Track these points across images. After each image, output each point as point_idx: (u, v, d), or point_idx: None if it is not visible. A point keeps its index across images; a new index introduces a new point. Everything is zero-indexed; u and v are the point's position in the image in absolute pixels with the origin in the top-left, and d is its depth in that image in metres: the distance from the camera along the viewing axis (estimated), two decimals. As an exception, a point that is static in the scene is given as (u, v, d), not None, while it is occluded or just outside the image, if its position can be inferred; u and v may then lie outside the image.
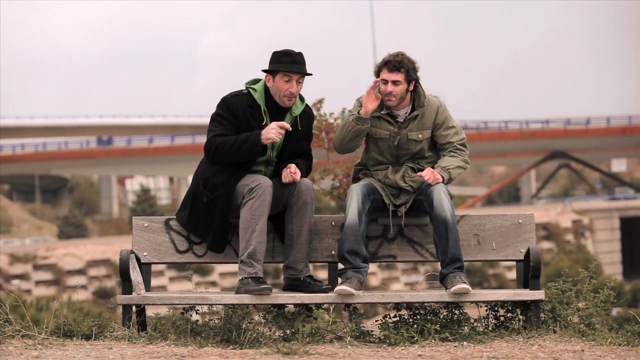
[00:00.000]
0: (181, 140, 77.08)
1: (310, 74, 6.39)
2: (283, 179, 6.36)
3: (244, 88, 6.44)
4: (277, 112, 6.37)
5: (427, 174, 6.41)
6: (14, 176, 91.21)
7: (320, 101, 12.71)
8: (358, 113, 6.42)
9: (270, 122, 6.34)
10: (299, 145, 6.47)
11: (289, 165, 6.38)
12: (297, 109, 6.44)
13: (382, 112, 6.54)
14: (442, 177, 6.43)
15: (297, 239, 6.39)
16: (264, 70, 6.38)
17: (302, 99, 6.49)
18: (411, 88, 6.48)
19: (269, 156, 6.41)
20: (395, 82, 6.42)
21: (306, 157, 6.58)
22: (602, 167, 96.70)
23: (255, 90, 6.40)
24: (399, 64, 6.42)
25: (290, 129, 6.30)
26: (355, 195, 6.45)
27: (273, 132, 6.20)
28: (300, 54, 6.37)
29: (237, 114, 6.32)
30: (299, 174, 6.36)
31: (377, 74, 6.49)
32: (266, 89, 6.39)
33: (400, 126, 6.54)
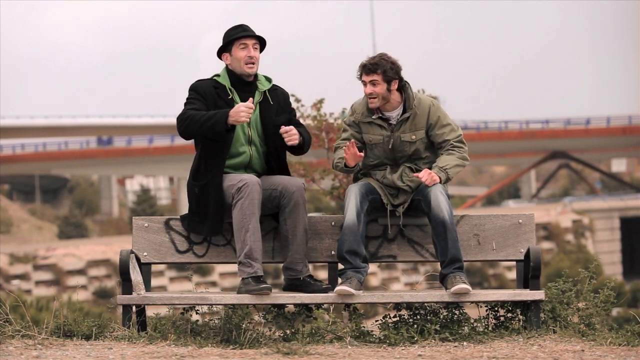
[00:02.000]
0: (181, 140, 76.81)
1: (264, 39, 6.51)
2: (287, 142, 6.40)
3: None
4: (243, 90, 6.45)
5: (424, 175, 6.40)
6: (14, 176, 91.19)
7: (321, 101, 12.72)
8: (345, 165, 6.55)
9: (238, 99, 6.41)
10: (278, 119, 6.50)
11: (281, 127, 6.42)
12: (265, 86, 6.52)
13: (374, 117, 6.57)
14: (440, 178, 6.42)
15: (293, 240, 6.39)
16: (219, 50, 6.51)
17: (269, 79, 6.58)
18: (394, 87, 6.50)
19: (247, 135, 6.44)
20: (373, 83, 6.47)
21: (297, 124, 6.62)
22: (602, 167, 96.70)
23: (218, 75, 6.53)
24: (373, 66, 6.48)
25: (253, 105, 6.32)
26: (353, 195, 6.45)
27: (243, 114, 6.25)
28: (247, 25, 6.53)
29: (205, 94, 6.43)
30: (293, 130, 6.38)
31: (360, 78, 6.56)
32: (229, 72, 6.49)
33: (393, 129, 6.55)
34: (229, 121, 6.26)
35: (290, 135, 6.39)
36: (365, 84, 6.50)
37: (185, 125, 6.34)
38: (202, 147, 6.40)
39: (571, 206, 71.66)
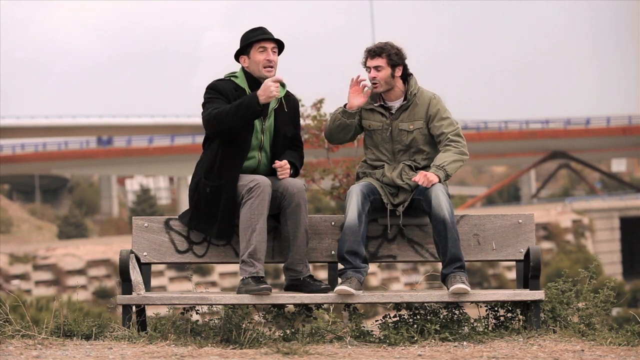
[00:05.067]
0: (181, 140, 77.02)
1: (282, 42, 6.48)
2: (278, 176, 6.41)
3: (224, 77, 6.53)
4: None
5: (420, 178, 6.39)
6: (14, 176, 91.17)
7: (321, 101, 12.71)
8: (344, 107, 6.53)
9: None
10: (288, 129, 6.52)
11: (275, 162, 6.43)
12: (281, 92, 6.49)
13: (375, 105, 6.59)
14: (438, 177, 6.41)
15: (294, 241, 6.40)
16: (237, 53, 6.48)
17: (283, 84, 6.55)
18: (397, 74, 6.53)
19: (260, 140, 6.43)
20: (377, 68, 6.51)
21: (296, 144, 6.65)
22: (602, 167, 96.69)
23: (236, 76, 6.49)
24: (379, 50, 6.53)
25: (281, 78, 6.35)
26: (354, 196, 6.45)
27: (273, 88, 6.25)
28: (266, 28, 6.48)
29: (226, 94, 6.40)
30: (287, 167, 6.40)
31: (364, 64, 6.58)
32: (246, 74, 6.46)
33: (393, 117, 6.56)
34: (260, 100, 6.25)
35: (283, 170, 6.42)
36: (369, 69, 6.53)
37: (217, 122, 6.28)
38: (220, 148, 6.37)
39: (571, 206, 71.65)
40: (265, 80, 6.30)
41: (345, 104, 6.58)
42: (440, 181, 6.41)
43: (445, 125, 6.53)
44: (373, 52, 6.53)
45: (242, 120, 6.28)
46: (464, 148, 6.53)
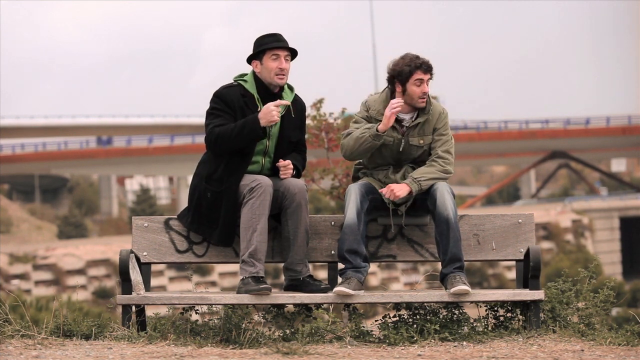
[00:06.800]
0: (181, 140, 77.04)
1: (296, 50, 6.43)
2: (280, 176, 6.40)
3: (233, 81, 6.48)
4: (270, 100, 6.39)
5: (387, 192, 6.38)
6: (13, 176, 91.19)
7: (320, 101, 12.70)
8: (377, 130, 6.39)
9: None
10: (293, 134, 6.51)
11: (279, 161, 6.41)
12: (289, 97, 6.48)
13: None
14: (411, 189, 6.40)
15: (294, 241, 6.40)
16: (249, 57, 6.43)
17: (291, 88, 6.53)
18: None
19: (265, 146, 6.42)
20: (428, 82, 6.45)
21: (300, 148, 6.62)
22: (602, 167, 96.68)
23: (245, 80, 6.45)
24: (429, 66, 6.44)
25: (289, 103, 6.36)
26: (353, 195, 6.45)
27: (274, 112, 6.23)
28: (281, 34, 6.44)
29: (232, 104, 6.36)
30: (289, 165, 6.39)
31: (408, 76, 6.40)
32: (256, 79, 6.42)
33: (404, 132, 6.53)
34: (261, 124, 6.24)
35: (286, 170, 6.41)
36: (419, 82, 6.41)
37: (219, 144, 6.29)
38: (225, 155, 6.36)
39: (571, 206, 71.63)
40: (267, 104, 6.27)
41: (376, 127, 6.39)
42: (412, 193, 6.39)
43: (442, 141, 6.53)
44: (426, 67, 6.41)
45: (243, 143, 6.29)
46: (449, 166, 6.51)
